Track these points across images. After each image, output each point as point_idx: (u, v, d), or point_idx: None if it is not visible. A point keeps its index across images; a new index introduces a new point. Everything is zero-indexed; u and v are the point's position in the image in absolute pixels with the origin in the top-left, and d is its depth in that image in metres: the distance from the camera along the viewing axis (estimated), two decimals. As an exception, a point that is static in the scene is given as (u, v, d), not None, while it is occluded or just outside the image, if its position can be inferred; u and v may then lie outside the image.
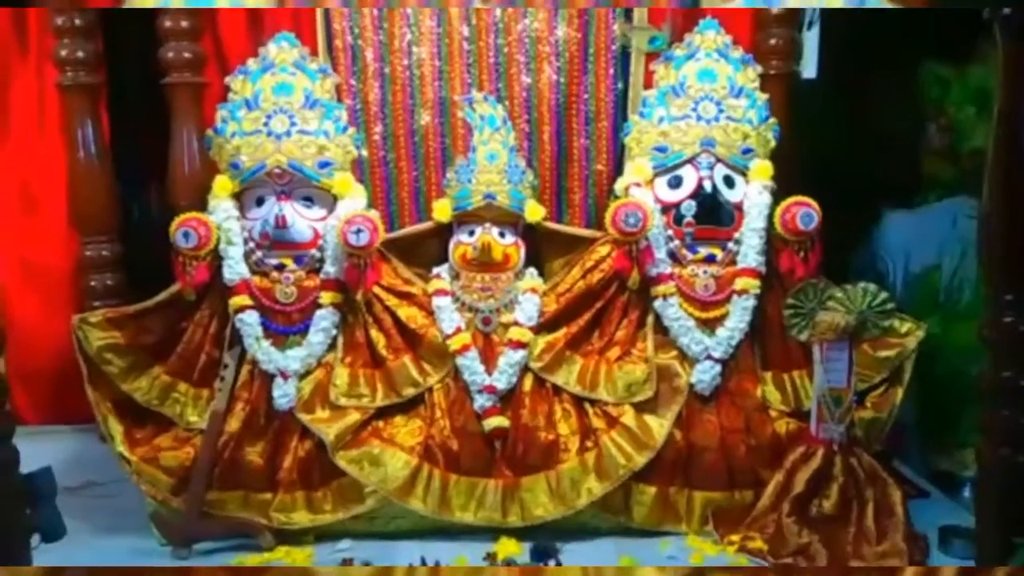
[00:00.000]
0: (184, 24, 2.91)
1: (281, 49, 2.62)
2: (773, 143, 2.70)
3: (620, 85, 2.89)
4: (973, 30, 2.77)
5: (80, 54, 2.96)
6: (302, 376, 2.54)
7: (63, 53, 2.96)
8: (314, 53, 2.75)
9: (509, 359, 2.55)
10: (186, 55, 2.92)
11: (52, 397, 3.29)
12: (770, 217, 2.58)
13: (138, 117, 3.19)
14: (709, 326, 2.59)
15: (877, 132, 3.33)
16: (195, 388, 2.57)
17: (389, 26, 2.85)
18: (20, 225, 3.27)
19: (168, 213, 2.63)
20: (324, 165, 2.57)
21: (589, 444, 2.50)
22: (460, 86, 2.86)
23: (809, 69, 3.26)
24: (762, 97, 2.69)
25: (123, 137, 3.23)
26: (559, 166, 2.92)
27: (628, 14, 2.83)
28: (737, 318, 2.57)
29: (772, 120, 2.70)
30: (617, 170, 2.85)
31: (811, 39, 3.21)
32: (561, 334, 2.60)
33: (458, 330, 2.56)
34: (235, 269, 2.53)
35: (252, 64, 2.62)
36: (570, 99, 2.88)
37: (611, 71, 2.88)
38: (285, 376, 2.52)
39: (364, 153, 2.83)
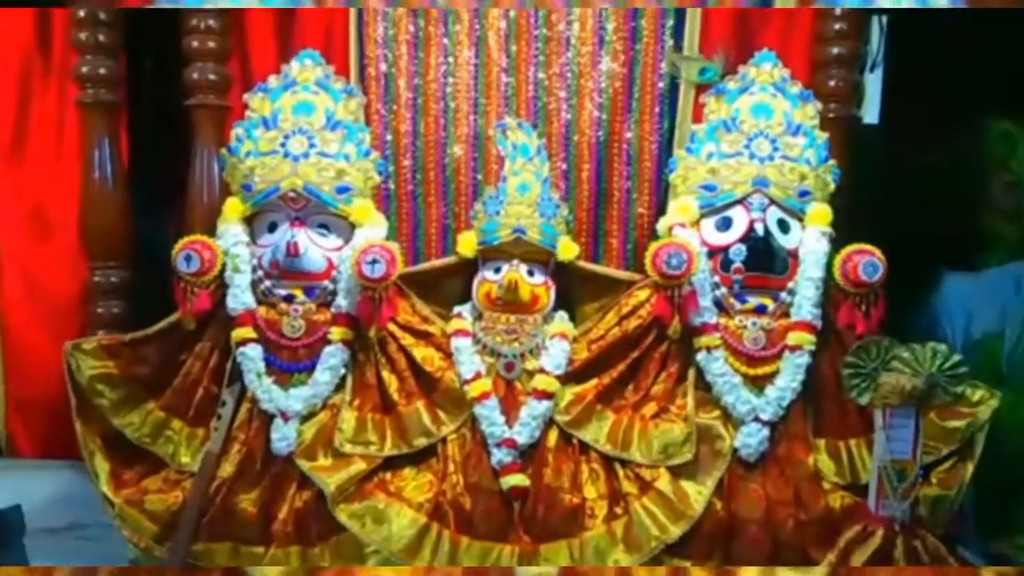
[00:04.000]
0: (211, 45, 2.82)
1: (304, 67, 2.53)
2: (832, 186, 2.55)
3: (666, 124, 2.76)
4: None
5: (102, 71, 2.88)
6: (305, 418, 2.43)
7: (84, 70, 2.88)
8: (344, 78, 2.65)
9: (532, 410, 2.41)
10: (211, 77, 2.82)
11: (52, 429, 3.12)
12: (828, 266, 2.43)
13: (159, 139, 3.12)
14: (757, 384, 2.44)
15: (938, 185, 3.18)
16: (190, 427, 2.47)
17: (424, 55, 2.76)
18: (30, 247, 3.19)
19: (185, 241, 2.52)
20: (343, 190, 2.45)
21: (618, 510, 2.37)
22: (496, 119, 2.75)
23: (871, 114, 3.11)
24: (821, 136, 2.54)
25: (142, 160, 3.15)
26: (598, 207, 2.79)
27: (678, 44, 2.71)
28: (789, 377, 2.41)
29: (832, 161, 2.55)
30: (660, 213, 2.70)
31: (873, 82, 3.08)
32: (591, 385, 2.47)
33: (478, 375, 2.43)
34: (240, 298, 2.42)
35: (273, 82, 2.53)
36: (612, 137, 2.76)
37: (657, 109, 2.76)
38: (286, 417, 2.40)
39: (391, 185, 2.74)
